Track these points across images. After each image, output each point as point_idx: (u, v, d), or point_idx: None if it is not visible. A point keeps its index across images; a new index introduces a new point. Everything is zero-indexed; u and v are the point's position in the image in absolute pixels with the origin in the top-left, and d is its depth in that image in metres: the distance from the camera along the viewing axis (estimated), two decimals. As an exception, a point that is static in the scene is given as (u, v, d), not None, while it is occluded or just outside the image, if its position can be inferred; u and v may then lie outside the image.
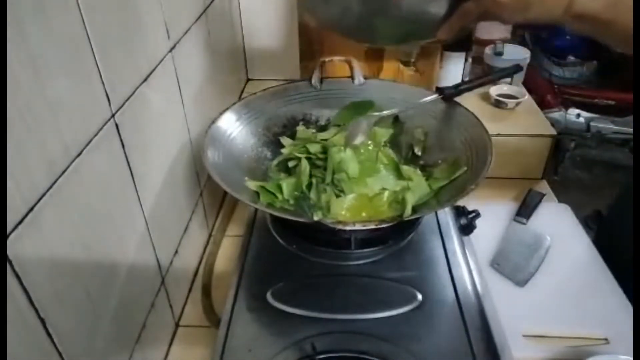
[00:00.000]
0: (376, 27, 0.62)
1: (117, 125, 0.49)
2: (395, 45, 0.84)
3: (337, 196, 0.64)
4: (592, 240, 0.80)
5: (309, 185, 0.67)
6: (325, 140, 0.72)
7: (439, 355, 0.53)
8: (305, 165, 0.68)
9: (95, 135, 0.45)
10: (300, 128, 0.77)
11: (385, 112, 0.74)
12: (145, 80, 0.56)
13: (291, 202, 0.66)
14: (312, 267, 0.64)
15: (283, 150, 0.74)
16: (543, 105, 1.99)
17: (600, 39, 0.52)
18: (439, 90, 0.73)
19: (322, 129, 0.78)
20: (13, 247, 0.34)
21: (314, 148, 0.70)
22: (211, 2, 0.85)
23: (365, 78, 0.79)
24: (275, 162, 0.73)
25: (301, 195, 0.66)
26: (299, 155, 0.70)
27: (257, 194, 0.66)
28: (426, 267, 0.63)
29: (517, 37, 1.87)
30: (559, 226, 0.81)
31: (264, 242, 0.68)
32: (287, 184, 0.66)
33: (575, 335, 0.65)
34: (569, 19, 0.51)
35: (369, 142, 0.71)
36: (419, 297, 0.59)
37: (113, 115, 0.49)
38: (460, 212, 0.72)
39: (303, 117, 0.79)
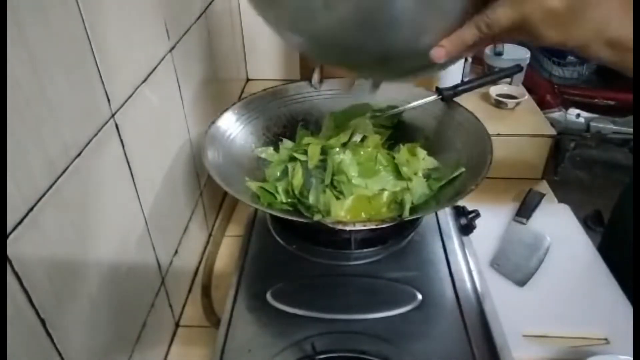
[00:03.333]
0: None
1: (117, 125, 0.49)
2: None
3: (337, 198, 0.64)
4: (594, 242, 0.80)
5: (308, 188, 0.66)
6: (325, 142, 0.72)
7: (439, 355, 0.53)
8: (297, 170, 0.67)
9: (95, 135, 0.45)
10: (302, 132, 0.77)
11: (388, 112, 0.73)
12: (145, 80, 0.56)
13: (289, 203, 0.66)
14: (312, 267, 0.64)
15: (281, 150, 0.74)
16: (543, 105, 2.00)
17: (622, 68, 0.45)
18: (439, 91, 0.73)
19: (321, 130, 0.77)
20: (13, 247, 0.34)
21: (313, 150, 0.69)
22: (211, 2, 0.85)
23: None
24: (272, 164, 0.72)
25: (295, 200, 0.65)
26: (298, 156, 0.70)
27: (258, 194, 0.66)
28: (426, 267, 0.63)
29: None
30: (559, 226, 0.81)
31: (264, 242, 0.68)
32: (282, 187, 0.66)
33: (575, 335, 0.65)
34: (600, 44, 0.44)
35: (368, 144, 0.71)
36: (419, 297, 0.59)
37: (113, 115, 0.49)
38: (460, 212, 0.72)
39: (303, 117, 0.78)
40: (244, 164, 0.71)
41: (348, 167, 0.66)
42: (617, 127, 2.08)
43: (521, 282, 0.72)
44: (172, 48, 0.65)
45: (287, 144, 0.75)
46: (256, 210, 0.73)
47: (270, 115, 0.77)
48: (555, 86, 2.26)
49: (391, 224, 0.56)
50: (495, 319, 0.58)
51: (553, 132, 0.95)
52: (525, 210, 0.83)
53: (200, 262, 0.79)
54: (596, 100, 2.20)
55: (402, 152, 0.70)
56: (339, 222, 0.57)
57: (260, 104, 0.76)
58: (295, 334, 0.55)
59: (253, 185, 0.67)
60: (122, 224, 0.52)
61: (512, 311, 0.65)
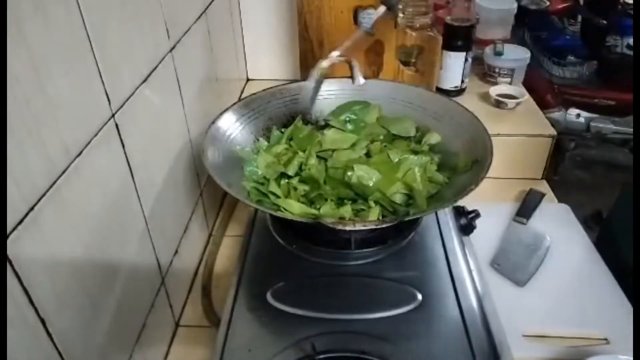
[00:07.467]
0: None
1: (117, 125, 0.49)
2: None
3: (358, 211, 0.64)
4: (593, 241, 0.80)
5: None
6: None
7: (439, 355, 0.53)
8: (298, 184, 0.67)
9: (95, 135, 0.45)
10: (299, 124, 0.77)
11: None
12: (145, 80, 0.56)
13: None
14: (312, 267, 0.64)
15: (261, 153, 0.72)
16: (543, 105, 1.99)
17: None
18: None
19: (321, 129, 0.78)
20: (13, 247, 0.34)
21: (309, 161, 0.69)
22: (211, 2, 0.85)
23: (365, 78, 0.79)
24: (253, 164, 0.71)
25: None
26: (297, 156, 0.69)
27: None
28: (426, 267, 0.63)
29: (517, 37, 1.87)
30: (559, 226, 0.81)
31: (264, 242, 0.68)
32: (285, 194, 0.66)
33: (575, 335, 0.65)
34: None
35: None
36: (419, 297, 0.59)
37: (113, 115, 0.49)
38: (460, 212, 0.72)
39: (303, 117, 0.79)
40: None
41: (369, 175, 0.66)
42: (617, 127, 2.08)
43: (521, 282, 0.72)
44: (172, 48, 0.65)
45: (262, 143, 0.74)
46: (256, 210, 0.73)
47: (270, 115, 0.77)
48: (555, 86, 2.25)
49: (391, 224, 0.56)
50: (495, 319, 0.58)
51: (553, 132, 0.95)
52: (525, 210, 0.83)
53: (200, 262, 0.79)
54: (596, 100, 2.19)
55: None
56: (339, 222, 0.57)
57: (260, 104, 0.76)
58: (295, 334, 0.55)
59: (247, 185, 0.66)
60: (122, 224, 0.52)
61: (512, 311, 0.65)
